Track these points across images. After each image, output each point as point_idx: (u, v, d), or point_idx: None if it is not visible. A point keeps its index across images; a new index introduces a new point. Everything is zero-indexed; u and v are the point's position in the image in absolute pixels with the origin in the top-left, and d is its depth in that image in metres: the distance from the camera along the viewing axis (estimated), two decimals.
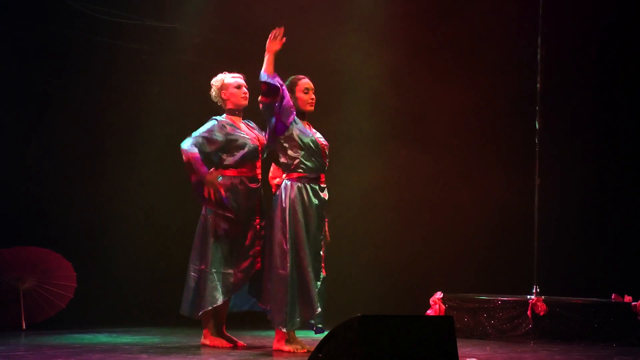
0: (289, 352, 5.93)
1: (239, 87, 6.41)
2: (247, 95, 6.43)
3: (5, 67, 8.17)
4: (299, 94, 6.11)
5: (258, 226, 6.31)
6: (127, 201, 9.01)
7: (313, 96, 6.14)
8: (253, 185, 6.31)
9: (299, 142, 6.02)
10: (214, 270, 6.17)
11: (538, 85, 7.71)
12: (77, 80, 8.69)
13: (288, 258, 5.91)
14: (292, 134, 6.01)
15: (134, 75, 8.92)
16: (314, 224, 5.98)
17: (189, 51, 8.99)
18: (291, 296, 5.89)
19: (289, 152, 6.02)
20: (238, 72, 6.50)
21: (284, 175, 6.07)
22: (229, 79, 6.42)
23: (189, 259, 6.35)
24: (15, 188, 8.41)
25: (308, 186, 6.00)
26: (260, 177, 6.37)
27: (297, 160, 6.01)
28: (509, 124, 8.74)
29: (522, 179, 8.19)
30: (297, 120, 6.08)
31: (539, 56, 7.73)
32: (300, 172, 6.01)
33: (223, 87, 6.41)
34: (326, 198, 6.11)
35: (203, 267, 6.21)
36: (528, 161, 7.85)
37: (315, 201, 6.00)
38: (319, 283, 5.99)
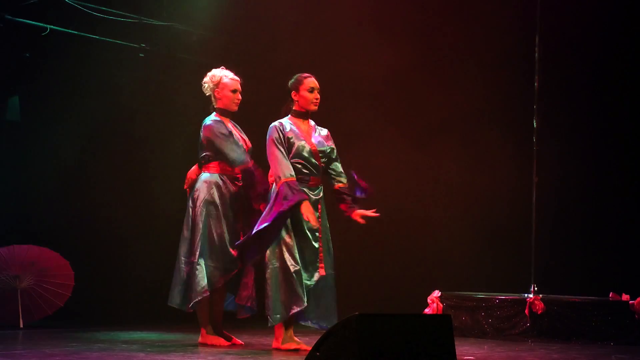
0: (286, 350, 5.93)
1: (234, 91, 6.39)
2: (239, 102, 6.41)
3: (0, 65, 8.18)
4: (304, 93, 6.10)
5: (242, 224, 6.33)
6: (124, 199, 9.00)
7: (318, 96, 6.12)
8: (237, 184, 6.33)
9: (292, 149, 6.02)
10: (202, 262, 6.18)
11: (536, 84, 7.71)
12: (74, 79, 8.69)
13: (270, 256, 5.95)
14: (285, 139, 6.03)
15: (131, 73, 8.91)
16: (304, 223, 5.97)
17: (187, 50, 8.99)
18: (274, 291, 5.93)
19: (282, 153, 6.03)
20: (236, 72, 6.48)
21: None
22: (226, 79, 6.39)
23: (179, 251, 6.34)
24: (13, 187, 8.41)
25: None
26: (240, 176, 6.37)
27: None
28: (507, 123, 8.74)
29: (520, 178, 8.18)
30: (289, 123, 6.08)
31: (536, 55, 7.73)
32: None
33: (220, 85, 6.39)
34: (317, 198, 6.07)
35: (193, 259, 6.21)
36: (526, 159, 7.85)
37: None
38: (311, 281, 5.99)
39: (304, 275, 5.96)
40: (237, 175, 6.34)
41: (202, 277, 6.16)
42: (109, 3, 8.29)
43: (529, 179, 7.70)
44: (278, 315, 5.94)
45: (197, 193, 6.28)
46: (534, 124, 7.67)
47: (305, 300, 5.91)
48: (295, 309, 5.91)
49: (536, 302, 7.15)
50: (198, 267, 6.18)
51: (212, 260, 6.21)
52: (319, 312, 6.05)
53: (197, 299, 6.17)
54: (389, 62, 8.85)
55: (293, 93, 6.12)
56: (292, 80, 6.14)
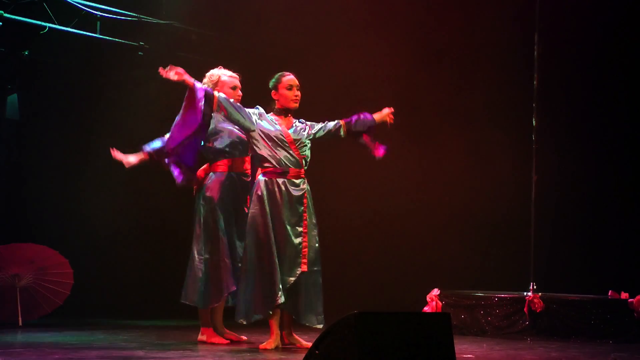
0: (264, 349, 5.91)
1: (234, 88, 6.38)
2: (240, 98, 6.41)
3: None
4: (283, 91, 6.07)
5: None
6: (123, 198, 9.01)
7: (297, 93, 6.09)
8: (245, 179, 6.34)
9: (264, 137, 5.99)
10: (226, 260, 6.17)
11: (535, 82, 7.71)
12: (73, 77, 8.69)
13: (247, 253, 5.95)
14: (257, 129, 6.00)
15: (130, 72, 8.91)
16: (284, 218, 5.93)
17: (186, 48, 8.99)
18: (245, 290, 5.93)
19: (256, 147, 6.01)
20: (235, 69, 6.49)
21: (258, 170, 6.09)
22: (225, 77, 6.39)
23: (193, 248, 6.31)
24: (11, 185, 8.42)
25: (275, 180, 5.97)
26: (249, 172, 6.38)
27: (264, 155, 6.00)
28: (506, 121, 8.74)
29: (519, 176, 8.19)
30: (265, 115, 6.06)
31: (535, 53, 7.73)
32: (267, 166, 6.00)
33: (219, 83, 6.39)
34: (300, 193, 6.01)
35: (210, 256, 6.19)
36: (525, 158, 7.86)
37: (282, 195, 5.95)
38: (291, 277, 5.94)
39: (283, 272, 5.92)
40: (247, 172, 6.35)
41: (224, 277, 6.14)
42: (108, 1, 8.29)
43: (528, 177, 7.70)
44: (243, 315, 5.94)
45: (209, 192, 6.26)
46: (533, 122, 7.67)
47: (282, 298, 5.87)
48: (266, 308, 5.90)
49: (535, 300, 7.15)
50: (221, 264, 6.16)
51: (230, 258, 6.21)
52: (300, 308, 6.00)
53: (223, 295, 6.16)
54: (388, 60, 8.85)
55: (273, 92, 6.09)
56: (272, 80, 6.11)
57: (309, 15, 8.83)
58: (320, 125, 6.19)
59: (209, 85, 6.42)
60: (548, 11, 7.85)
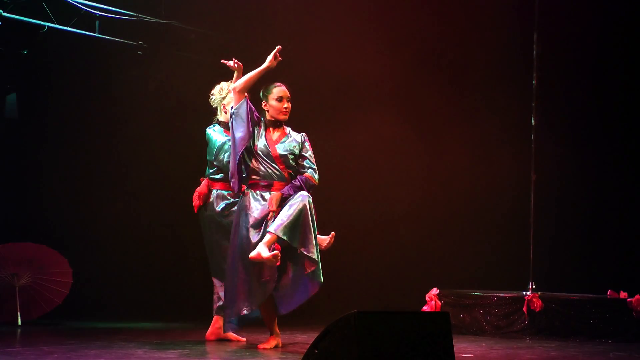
0: (263, 349, 5.92)
1: None
2: None
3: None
4: (272, 102, 5.96)
5: None
6: (123, 198, 9.00)
7: (287, 104, 5.97)
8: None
9: (252, 150, 5.91)
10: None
11: (534, 82, 7.71)
12: (72, 76, 8.68)
13: (230, 262, 5.91)
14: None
15: (129, 71, 8.90)
16: (263, 229, 5.81)
17: (185, 47, 8.98)
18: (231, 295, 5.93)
19: (245, 160, 5.92)
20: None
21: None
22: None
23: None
24: (10, 184, 8.41)
25: (260, 193, 5.87)
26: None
27: (250, 167, 5.92)
28: (505, 121, 8.75)
29: (519, 175, 8.19)
30: (262, 127, 5.97)
31: (535, 52, 7.73)
32: (252, 178, 5.92)
33: (227, 98, 6.33)
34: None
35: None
36: (524, 157, 7.86)
37: (260, 207, 5.85)
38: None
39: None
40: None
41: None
42: (107, 1, 8.28)
43: (527, 176, 7.71)
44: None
45: (231, 208, 6.22)
46: (533, 121, 7.68)
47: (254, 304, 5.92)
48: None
49: (534, 299, 7.16)
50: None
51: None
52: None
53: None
54: (388, 59, 8.85)
55: (263, 103, 6.00)
56: (262, 90, 6.03)
57: (309, 15, 8.83)
58: (305, 159, 5.98)
59: (217, 98, 6.39)
60: (547, 11, 7.85)
